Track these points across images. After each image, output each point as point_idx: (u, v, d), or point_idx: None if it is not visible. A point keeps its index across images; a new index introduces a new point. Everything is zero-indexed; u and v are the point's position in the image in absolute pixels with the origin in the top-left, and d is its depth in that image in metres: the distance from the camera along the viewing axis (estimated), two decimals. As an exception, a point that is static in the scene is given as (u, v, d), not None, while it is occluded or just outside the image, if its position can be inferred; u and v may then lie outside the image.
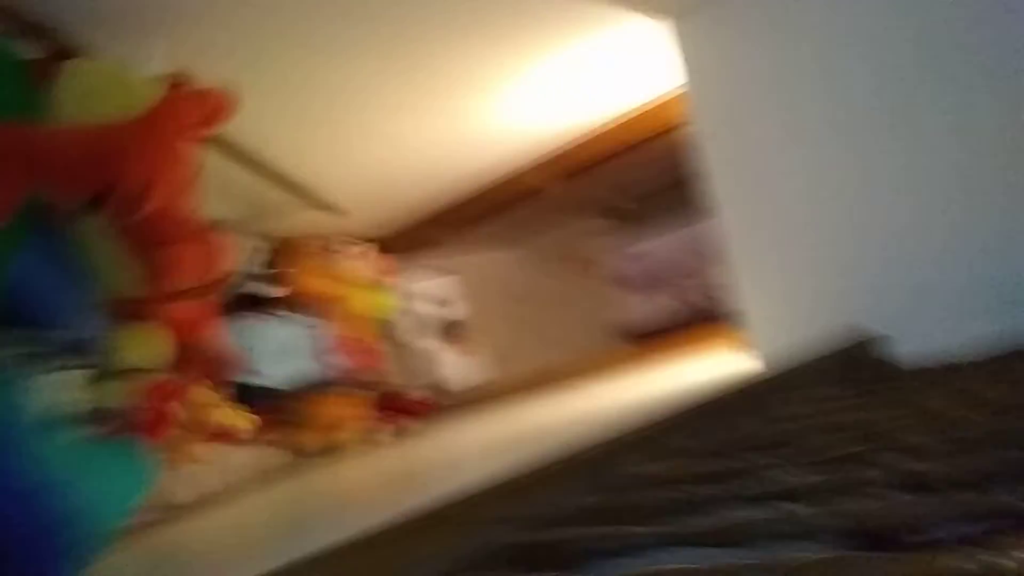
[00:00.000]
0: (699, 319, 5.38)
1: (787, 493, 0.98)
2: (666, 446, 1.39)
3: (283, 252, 3.72)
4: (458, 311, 5.11)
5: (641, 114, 3.48)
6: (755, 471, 1.13)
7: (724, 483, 1.12)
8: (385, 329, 4.57)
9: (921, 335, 1.91)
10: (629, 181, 4.75)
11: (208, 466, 2.76)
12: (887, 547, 0.75)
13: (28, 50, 1.77)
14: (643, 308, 5.82)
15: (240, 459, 3.04)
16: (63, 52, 1.85)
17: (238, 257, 3.25)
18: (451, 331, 4.98)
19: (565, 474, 1.28)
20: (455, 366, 4.96)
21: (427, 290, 4.98)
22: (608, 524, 1.06)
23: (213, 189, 3.01)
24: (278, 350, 3.37)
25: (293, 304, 3.60)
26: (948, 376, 1.51)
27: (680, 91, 2.52)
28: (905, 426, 1.16)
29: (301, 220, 3.64)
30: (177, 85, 1.84)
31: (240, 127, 2.61)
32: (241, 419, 2.45)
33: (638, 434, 1.40)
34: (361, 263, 4.29)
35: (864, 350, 1.89)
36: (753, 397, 1.59)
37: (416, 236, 4.59)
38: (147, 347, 1.74)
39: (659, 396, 2.27)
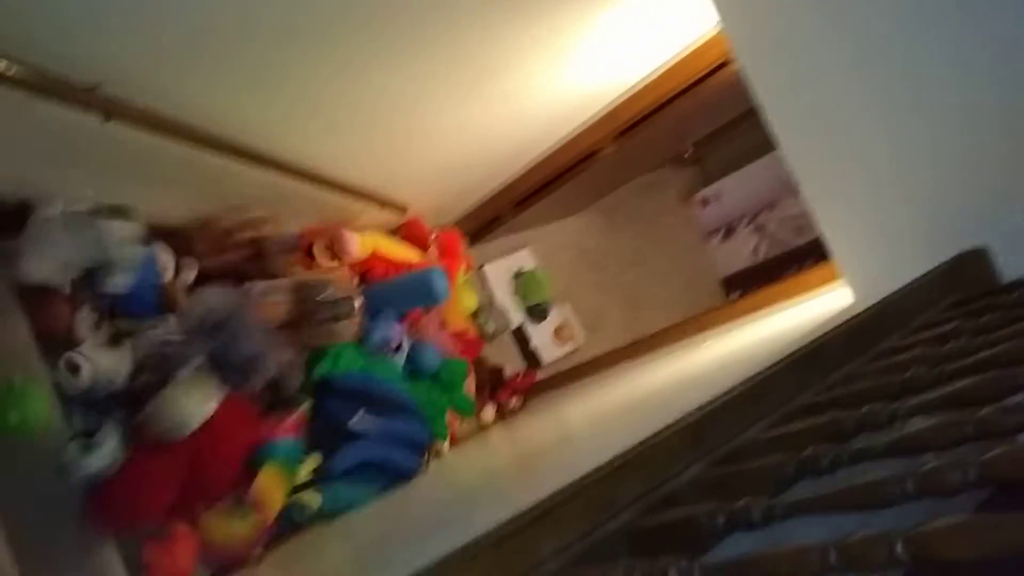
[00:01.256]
0: (789, 254, 5.25)
1: (912, 445, 0.94)
2: (777, 403, 1.36)
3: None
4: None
5: (684, 59, 3.38)
6: (872, 423, 1.09)
7: (843, 441, 1.09)
8: (475, 312, 4.62)
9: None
10: (686, 127, 4.64)
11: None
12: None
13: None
14: (728, 252, 5.70)
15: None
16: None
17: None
18: (537, 307, 4.98)
19: (676, 445, 1.25)
20: (546, 340, 4.96)
21: (503, 268, 4.99)
22: (724, 497, 1.04)
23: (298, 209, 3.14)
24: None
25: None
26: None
27: (718, 29, 2.41)
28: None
29: (371, 221, 3.71)
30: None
31: (303, 149, 2.66)
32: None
33: (746, 395, 1.36)
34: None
35: (965, 268, 1.79)
36: (857, 337, 1.53)
37: (480, 218, 4.60)
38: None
39: (761, 349, 2.21)
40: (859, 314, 1.59)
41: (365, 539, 2.21)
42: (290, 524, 2.61)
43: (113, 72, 1.78)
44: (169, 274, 2.55)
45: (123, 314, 2.27)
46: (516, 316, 4.90)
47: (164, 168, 2.31)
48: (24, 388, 1.90)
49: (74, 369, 2.07)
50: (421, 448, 3.10)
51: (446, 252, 4.20)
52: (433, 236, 4.22)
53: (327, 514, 2.69)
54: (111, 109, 1.82)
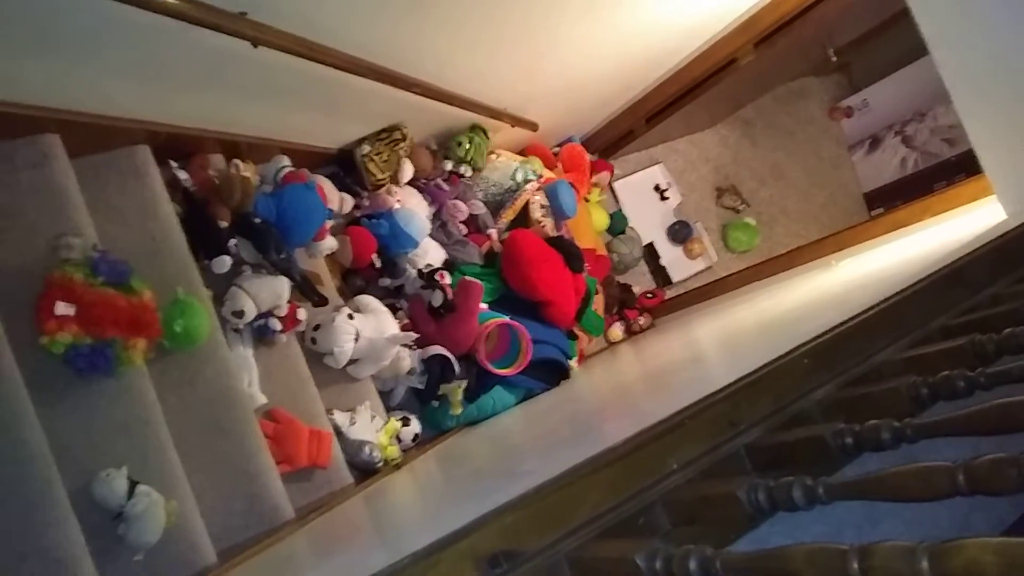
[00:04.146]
0: (938, 168, 4.97)
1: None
2: (914, 325, 1.33)
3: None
4: (673, 198, 5.02)
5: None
6: (1015, 346, 1.06)
7: (983, 364, 1.06)
8: (607, 229, 4.64)
9: None
10: (830, 32, 4.39)
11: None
12: None
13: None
14: (873, 165, 5.44)
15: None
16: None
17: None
18: (676, 229, 4.92)
19: (806, 366, 1.25)
20: (677, 256, 4.91)
21: (635, 183, 4.94)
22: (854, 418, 1.04)
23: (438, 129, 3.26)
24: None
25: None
26: None
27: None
28: None
29: (502, 141, 3.75)
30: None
31: (444, 73, 2.70)
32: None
33: (881, 316, 1.33)
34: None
35: None
36: (1004, 256, 1.47)
37: (613, 133, 4.55)
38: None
39: (902, 269, 2.13)
40: (1006, 232, 1.52)
41: (505, 447, 2.31)
42: (436, 429, 2.89)
43: (258, 0, 1.85)
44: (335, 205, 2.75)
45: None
46: (646, 234, 4.86)
47: (312, 92, 2.40)
48: (187, 300, 2.06)
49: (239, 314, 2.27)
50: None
51: (571, 167, 4.20)
52: (555, 151, 4.25)
53: (470, 421, 2.90)
54: (259, 34, 1.89)
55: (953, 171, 4.73)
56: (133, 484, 1.72)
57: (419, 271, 3.01)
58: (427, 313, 2.89)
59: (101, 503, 1.70)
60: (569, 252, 3.47)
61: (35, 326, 1.72)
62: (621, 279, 4.61)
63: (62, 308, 1.73)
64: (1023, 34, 1.94)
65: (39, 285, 1.77)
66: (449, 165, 3.34)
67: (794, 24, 3.54)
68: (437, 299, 2.88)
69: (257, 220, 2.36)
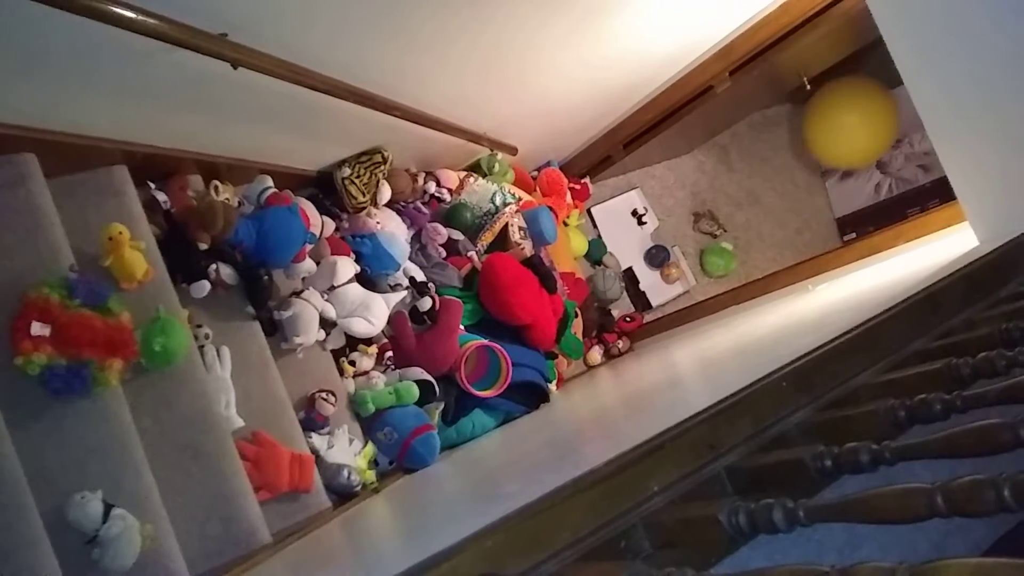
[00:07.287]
0: (911, 194, 5.03)
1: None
2: (890, 349, 1.34)
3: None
4: (651, 222, 5.05)
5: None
6: (989, 370, 1.07)
7: (959, 387, 1.07)
8: (584, 255, 4.65)
9: None
10: (802, 62, 4.45)
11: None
12: None
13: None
14: (847, 191, 5.50)
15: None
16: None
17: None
18: (653, 253, 4.94)
19: (785, 389, 1.26)
20: (655, 281, 4.93)
21: (613, 208, 4.97)
22: (833, 441, 1.05)
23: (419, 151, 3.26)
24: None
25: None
26: None
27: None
28: None
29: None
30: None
31: (422, 96, 2.72)
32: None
33: (858, 340, 1.35)
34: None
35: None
36: (978, 282, 1.49)
37: (591, 158, 4.58)
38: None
39: (877, 294, 2.15)
40: (980, 258, 1.54)
41: (485, 470, 2.30)
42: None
43: (238, 22, 1.85)
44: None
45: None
46: (625, 259, 4.88)
47: (292, 114, 2.40)
48: (168, 318, 2.04)
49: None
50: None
51: (548, 191, 4.23)
52: (533, 175, 4.27)
53: (449, 445, 2.89)
54: (239, 56, 1.89)
55: (927, 197, 4.80)
56: (108, 507, 1.70)
57: (411, 279, 3.05)
58: (410, 329, 2.90)
59: (75, 526, 1.67)
60: (542, 272, 3.50)
61: (10, 346, 1.71)
62: (600, 304, 4.62)
63: (38, 328, 1.71)
64: (997, 63, 1.98)
65: (15, 305, 1.75)
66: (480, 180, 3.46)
67: (768, 53, 3.59)
68: (425, 304, 2.93)
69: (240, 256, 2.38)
